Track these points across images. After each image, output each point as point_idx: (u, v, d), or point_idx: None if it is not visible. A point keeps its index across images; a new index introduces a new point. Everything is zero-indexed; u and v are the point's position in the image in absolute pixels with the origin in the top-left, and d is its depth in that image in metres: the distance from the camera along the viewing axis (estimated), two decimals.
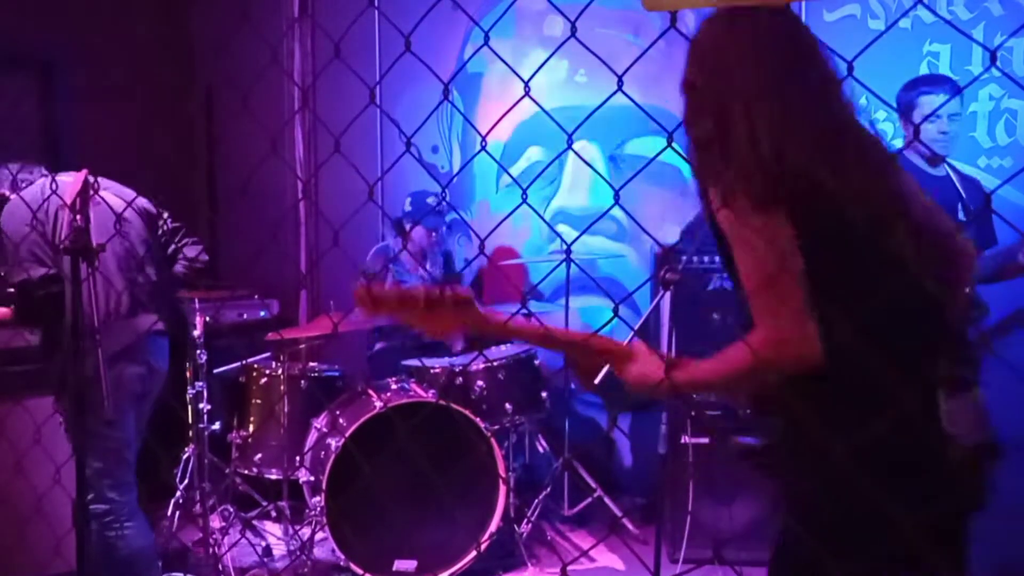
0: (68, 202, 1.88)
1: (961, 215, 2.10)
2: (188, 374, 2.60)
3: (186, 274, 2.18)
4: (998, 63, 0.86)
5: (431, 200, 3.03)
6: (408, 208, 3.06)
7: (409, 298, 1.04)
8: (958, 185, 2.12)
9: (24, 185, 2.03)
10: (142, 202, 2.10)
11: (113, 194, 2.02)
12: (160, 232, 2.15)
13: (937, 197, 2.19)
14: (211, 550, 2.43)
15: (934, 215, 1.18)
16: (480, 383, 2.56)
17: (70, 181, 1.95)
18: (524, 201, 1.11)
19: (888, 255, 0.98)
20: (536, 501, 2.75)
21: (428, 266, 3.12)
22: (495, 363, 2.58)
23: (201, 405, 2.59)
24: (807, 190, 0.96)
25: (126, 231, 2.03)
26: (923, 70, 2.59)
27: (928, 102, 2.10)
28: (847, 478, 0.87)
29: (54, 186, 1.80)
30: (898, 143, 2.53)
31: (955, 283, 1.16)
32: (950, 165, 2.18)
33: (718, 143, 1.01)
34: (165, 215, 2.17)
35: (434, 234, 3.04)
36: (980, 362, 1.12)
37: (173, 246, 2.18)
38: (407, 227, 3.04)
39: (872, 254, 0.98)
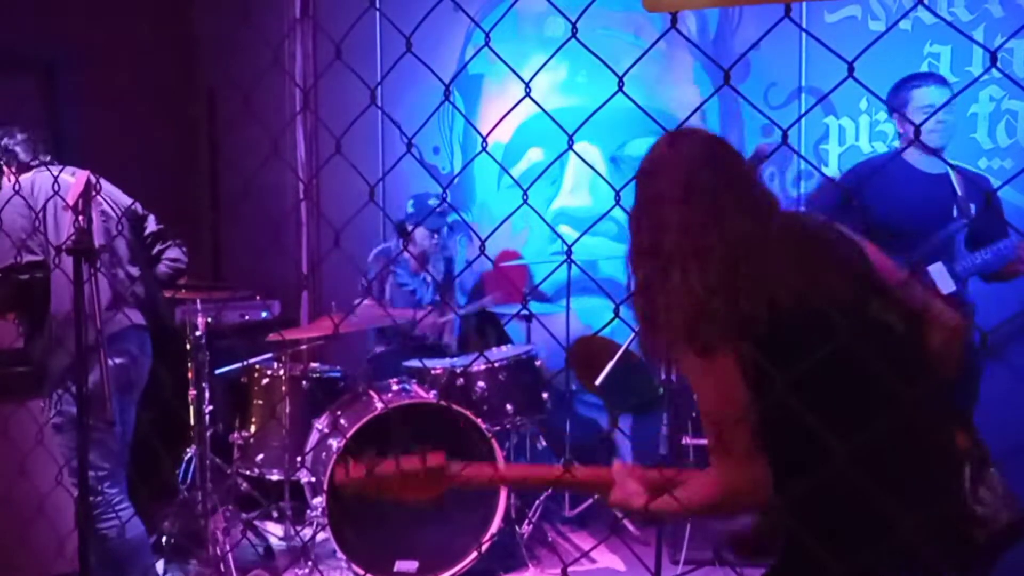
0: (71, 203, 1.89)
1: (955, 213, 2.10)
2: (190, 375, 2.61)
3: (168, 274, 2.25)
4: (999, 64, 0.86)
5: (433, 202, 3.03)
6: (410, 210, 3.06)
7: (385, 473, 1.12)
8: (955, 184, 2.12)
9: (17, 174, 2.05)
10: (128, 203, 2.14)
11: (104, 194, 2.03)
12: (145, 233, 2.19)
13: (931, 196, 2.19)
14: (213, 550, 2.43)
15: (908, 287, 1.15)
16: (481, 384, 2.56)
17: (72, 181, 1.96)
18: (525, 202, 1.12)
19: (876, 345, 0.95)
20: (537, 502, 2.75)
21: (430, 269, 3.12)
22: (496, 364, 2.58)
23: (203, 406, 2.59)
24: (757, 318, 0.97)
25: (111, 229, 2.07)
26: (923, 71, 2.59)
27: (921, 94, 2.10)
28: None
29: (56, 186, 1.81)
30: (895, 144, 2.53)
31: (945, 352, 1.13)
32: (952, 165, 2.18)
33: (656, 290, 1.04)
34: (150, 217, 2.21)
35: (436, 236, 3.04)
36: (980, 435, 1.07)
37: (158, 247, 2.22)
38: (409, 229, 3.04)
39: (847, 357, 0.90)
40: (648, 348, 1.11)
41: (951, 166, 2.15)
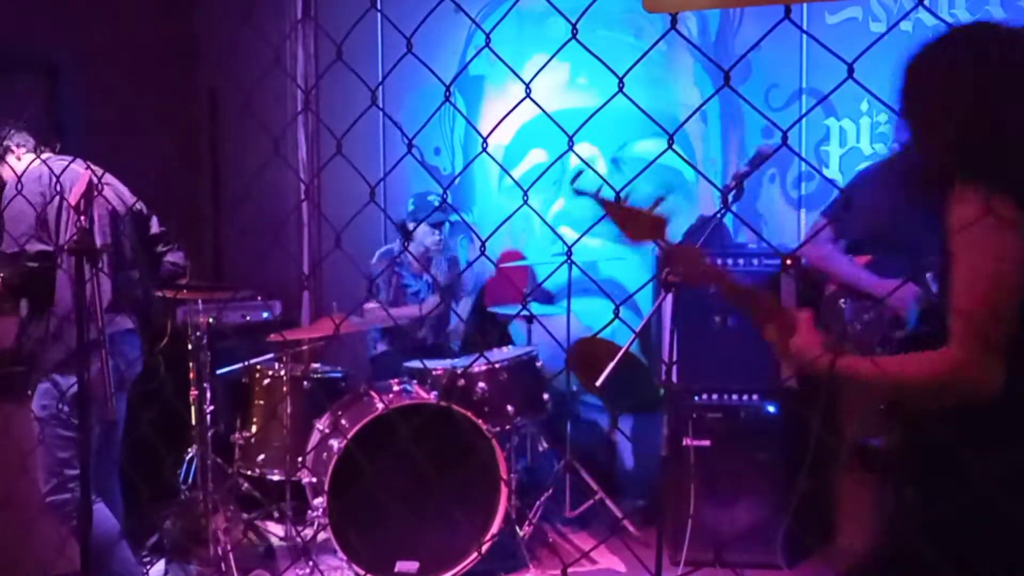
0: (72, 202, 1.89)
1: None
2: (191, 375, 2.61)
3: (168, 277, 2.28)
4: None
5: (433, 199, 3.03)
6: (411, 208, 3.06)
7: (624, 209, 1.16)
8: None
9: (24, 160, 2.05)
10: (131, 201, 2.14)
11: (112, 191, 2.04)
12: (149, 235, 2.21)
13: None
14: (214, 550, 2.44)
15: None
16: (482, 385, 2.56)
17: (80, 172, 1.95)
18: (525, 203, 1.12)
19: None
20: (538, 503, 2.75)
21: (432, 269, 3.13)
22: (497, 365, 2.59)
23: (204, 406, 2.60)
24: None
25: (119, 227, 2.08)
26: None
27: None
28: (985, 504, 0.84)
29: (54, 180, 1.82)
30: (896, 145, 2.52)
31: None
32: None
33: (982, 141, 0.95)
34: (153, 218, 2.22)
35: (438, 232, 3.04)
36: None
37: (159, 248, 2.23)
38: (411, 227, 3.04)
39: None
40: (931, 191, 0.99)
41: None
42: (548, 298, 3.27)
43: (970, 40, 1.06)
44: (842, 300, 2.22)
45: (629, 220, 1.18)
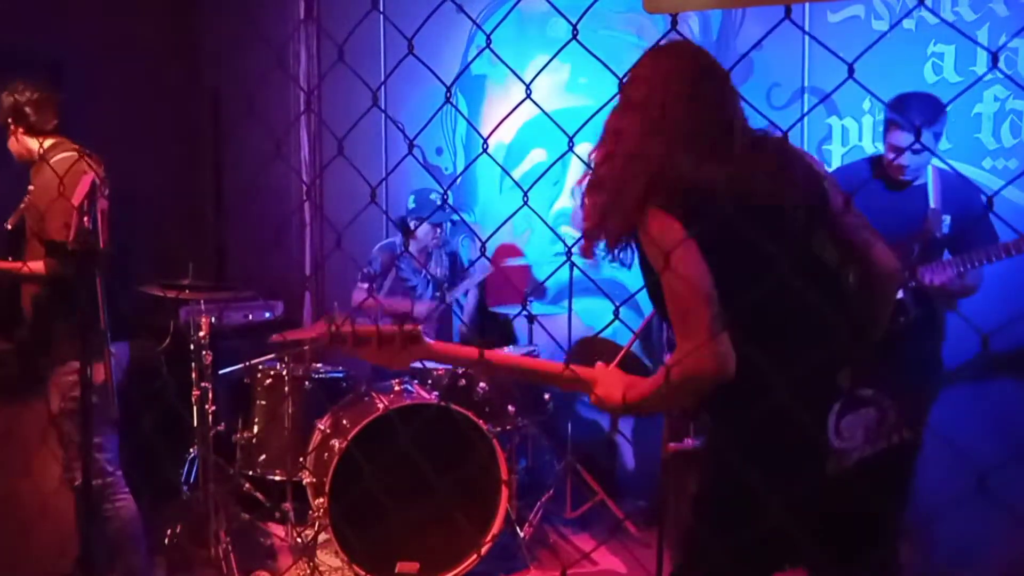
0: (76, 203, 1.89)
1: (927, 226, 2.08)
2: (193, 375, 2.62)
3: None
4: (1003, 65, 0.86)
5: (434, 197, 3.04)
6: (412, 206, 3.06)
7: (364, 336, 1.17)
8: (931, 195, 2.10)
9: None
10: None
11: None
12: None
13: (901, 207, 2.17)
14: (215, 551, 2.44)
15: (857, 222, 1.21)
16: (483, 385, 2.56)
17: (83, 171, 1.95)
18: (525, 203, 1.12)
19: (795, 262, 1.02)
20: (538, 504, 2.75)
21: (432, 265, 3.13)
22: None
23: (206, 406, 2.60)
24: (701, 196, 1.06)
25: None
26: (927, 71, 2.58)
27: (894, 136, 2.08)
28: (743, 465, 1.01)
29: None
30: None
31: (872, 295, 1.20)
32: (943, 170, 2.16)
33: (621, 168, 1.11)
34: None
35: (438, 230, 3.04)
36: (887, 375, 1.14)
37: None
38: (411, 224, 3.05)
39: (762, 261, 1.01)
40: (607, 230, 1.15)
41: (942, 173, 2.13)
42: (542, 299, 3.26)
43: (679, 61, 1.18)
44: None
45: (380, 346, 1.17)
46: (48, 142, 2.07)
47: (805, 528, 0.96)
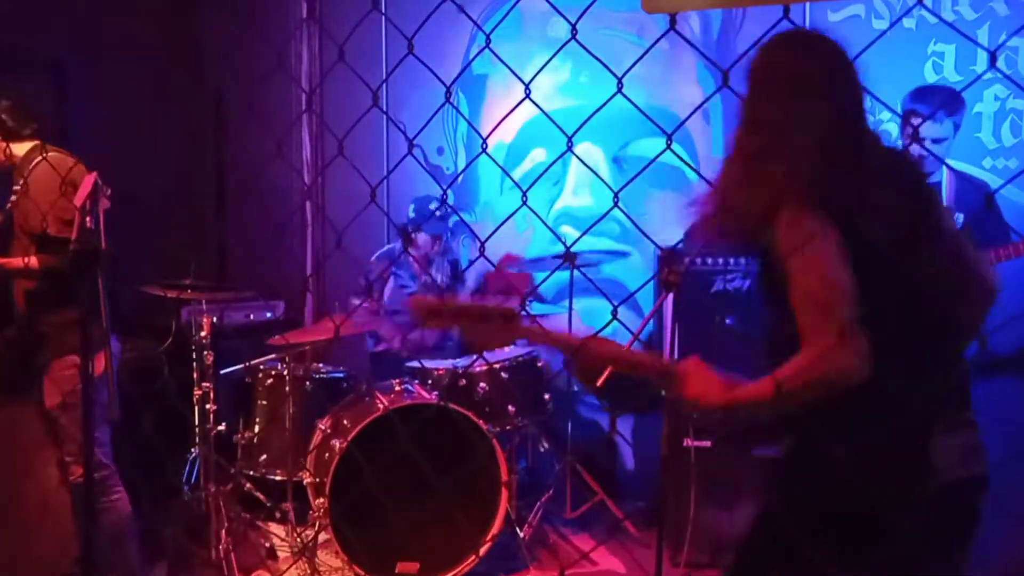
0: (78, 203, 1.90)
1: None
2: (195, 375, 2.62)
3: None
4: (1003, 64, 0.86)
5: (434, 206, 3.04)
6: (412, 215, 3.07)
7: (463, 313, 1.12)
8: (945, 190, 2.10)
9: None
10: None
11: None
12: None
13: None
14: (215, 550, 2.44)
15: (959, 240, 1.19)
16: (483, 385, 2.56)
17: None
18: (524, 203, 1.12)
19: (907, 279, 0.99)
20: (538, 504, 2.75)
21: (434, 272, 3.13)
22: (498, 365, 2.58)
23: (207, 406, 2.60)
24: (844, 206, 1.00)
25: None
26: (928, 70, 2.57)
27: (916, 121, 2.09)
28: (843, 482, 0.93)
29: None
30: (898, 143, 2.51)
31: (970, 316, 1.17)
32: (952, 169, 2.16)
33: (773, 151, 1.05)
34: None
35: (438, 242, 3.05)
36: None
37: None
38: (411, 233, 3.05)
39: (890, 276, 0.98)
40: (741, 226, 1.09)
41: (954, 172, 2.14)
42: (541, 299, 3.26)
43: (798, 52, 1.16)
44: None
45: (478, 323, 1.11)
46: (27, 146, 2.08)
47: (904, 545, 0.94)
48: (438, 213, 3.01)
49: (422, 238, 3.02)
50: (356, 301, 3.02)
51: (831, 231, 0.99)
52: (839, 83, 1.10)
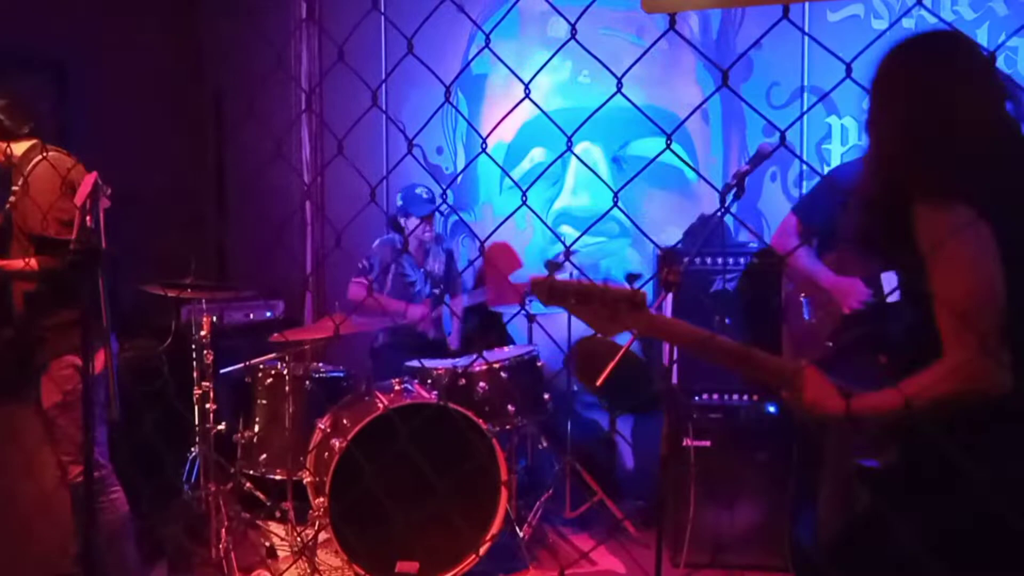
0: (79, 203, 1.90)
1: None
2: (195, 374, 2.62)
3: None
4: (1003, 64, 0.86)
5: (420, 191, 3.05)
6: (400, 203, 3.08)
7: (586, 294, 1.05)
8: None
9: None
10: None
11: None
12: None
13: None
14: (215, 550, 2.44)
15: None
16: (483, 384, 2.56)
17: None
18: (524, 203, 1.12)
19: None
20: (538, 503, 2.75)
21: (430, 261, 3.14)
22: (498, 365, 2.58)
23: (207, 405, 2.61)
24: (992, 201, 0.93)
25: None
26: None
27: None
28: (980, 505, 0.86)
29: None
30: None
31: None
32: None
33: (927, 148, 0.99)
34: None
35: (428, 225, 3.06)
36: None
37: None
38: (402, 222, 3.07)
39: None
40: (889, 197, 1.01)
41: None
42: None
43: (928, 51, 1.09)
44: (802, 295, 2.22)
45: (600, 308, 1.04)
46: (25, 145, 2.08)
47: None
48: (424, 196, 3.03)
49: (412, 222, 3.03)
50: (359, 280, 3.05)
51: (983, 226, 0.91)
52: (975, 79, 1.04)
